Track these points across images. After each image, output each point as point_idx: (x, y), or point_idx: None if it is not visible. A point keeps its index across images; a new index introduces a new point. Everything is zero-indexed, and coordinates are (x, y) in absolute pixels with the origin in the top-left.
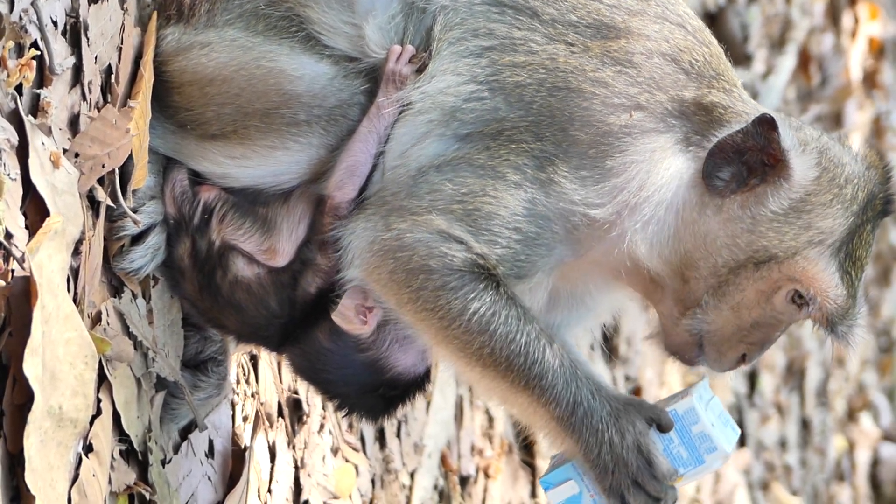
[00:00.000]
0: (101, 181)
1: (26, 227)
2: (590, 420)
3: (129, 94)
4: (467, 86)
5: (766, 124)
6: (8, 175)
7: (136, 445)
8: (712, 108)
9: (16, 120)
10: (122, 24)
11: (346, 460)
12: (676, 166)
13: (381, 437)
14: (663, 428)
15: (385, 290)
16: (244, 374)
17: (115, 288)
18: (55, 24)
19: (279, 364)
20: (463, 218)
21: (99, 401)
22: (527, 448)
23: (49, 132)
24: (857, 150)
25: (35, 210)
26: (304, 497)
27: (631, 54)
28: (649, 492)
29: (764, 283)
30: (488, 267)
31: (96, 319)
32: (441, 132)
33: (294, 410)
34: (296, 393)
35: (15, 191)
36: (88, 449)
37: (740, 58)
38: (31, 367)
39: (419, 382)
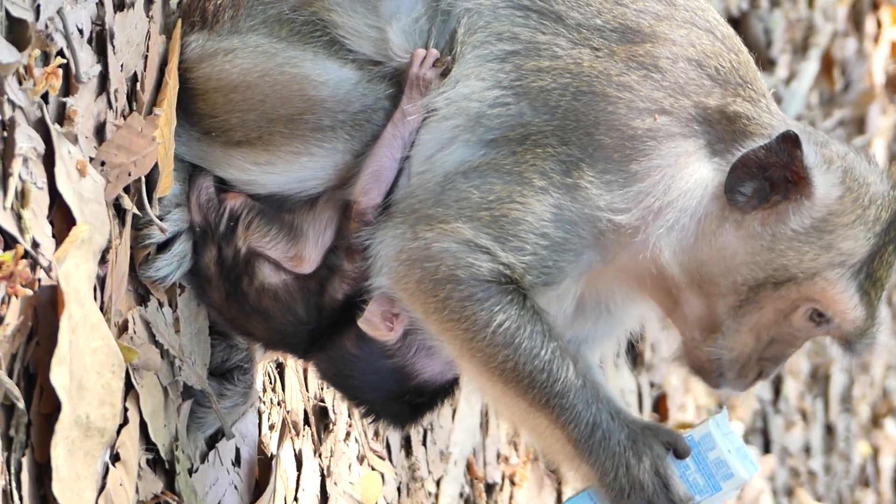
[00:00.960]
0: (127, 189)
1: (53, 236)
2: (607, 443)
3: (154, 102)
4: (492, 91)
5: (789, 140)
6: (34, 184)
7: (162, 454)
8: (736, 118)
9: (42, 128)
10: (148, 31)
11: (373, 468)
12: (700, 174)
13: (406, 445)
14: (680, 453)
15: (412, 300)
16: (270, 383)
17: (142, 296)
18: (81, 32)
19: (305, 372)
20: (490, 225)
21: (126, 410)
22: None
23: (75, 140)
24: (882, 168)
25: (62, 219)
26: None
27: (657, 59)
28: None
29: (782, 302)
30: (515, 277)
31: (123, 328)
32: (467, 138)
33: (320, 418)
34: (322, 401)
35: (41, 199)
36: (115, 458)
37: (763, 63)
38: (59, 376)
39: (446, 389)
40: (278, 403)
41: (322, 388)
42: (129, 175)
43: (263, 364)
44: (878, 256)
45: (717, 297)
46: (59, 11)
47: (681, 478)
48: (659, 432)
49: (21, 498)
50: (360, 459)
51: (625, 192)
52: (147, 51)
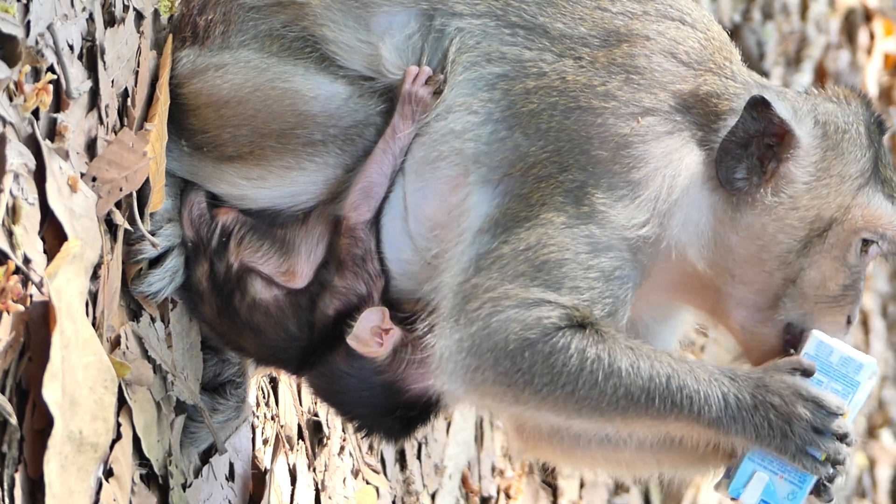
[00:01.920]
0: (118, 205)
1: (44, 252)
2: (745, 402)
3: (145, 118)
4: (486, 127)
5: (759, 105)
6: (26, 199)
7: (156, 469)
8: (707, 98)
9: (33, 144)
10: (139, 47)
11: (367, 482)
12: (692, 168)
13: (401, 459)
14: (808, 371)
15: (496, 389)
16: (264, 397)
17: (134, 311)
18: (71, 48)
19: (299, 386)
20: (536, 276)
21: (119, 425)
22: (547, 468)
23: (66, 156)
24: (830, 92)
25: (53, 234)
26: None
27: (634, 58)
28: (833, 430)
29: (836, 248)
30: (584, 315)
31: (115, 343)
32: (473, 180)
33: (314, 433)
34: (316, 415)
35: (33, 215)
36: (109, 473)
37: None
38: (51, 391)
39: (437, 404)
40: (272, 418)
41: (316, 403)
42: (121, 190)
43: (257, 378)
44: (879, 162)
45: (771, 273)
46: (49, 27)
47: None
48: (778, 365)
49: None
50: (355, 473)
51: (638, 203)
52: (138, 66)
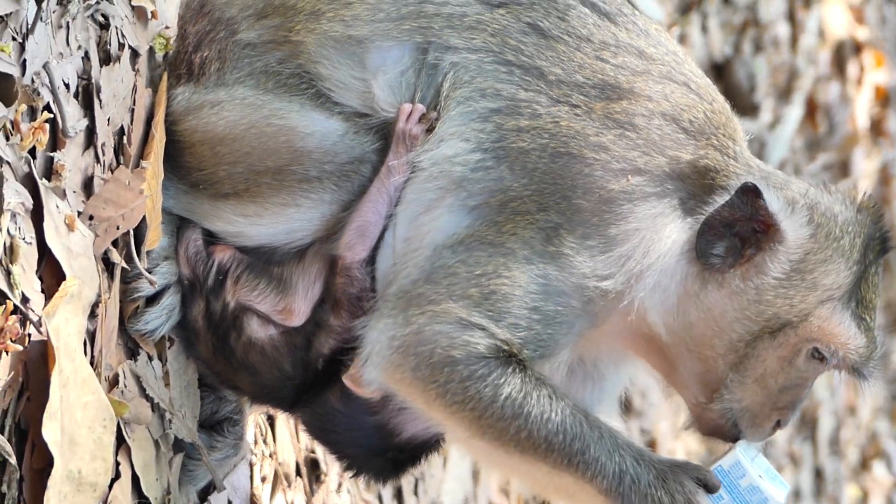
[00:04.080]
0: (115, 243)
1: (42, 291)
2: (638, 486)
3: (141, 155)
4: (474, 154)
5: (749, 192)
6: (23, 239)
7: None
8: (705, 172)
9: (30, 183)
10: (134, 85)
11: None
12: (676, 235)
13: (398, 495)
14: (710, 487)
15: (410, 390)
16: (262, 435)
17: (131, 350)
18: (67, 86)
19: (296, 424)
20: (481, 303)
21: (118, 464)
22: None
23: (63, 195)
24: (843, 195)
25: (51, 273)
26: None
27: (632, 116)
28: None
29: (783, 349)
30: (514, 352)
31: (113, 382)
32: (451, 202)
33: (312, 470)
34: (313, 452)
35: (30, 254)
36: None
37: (747, 108)
38: (50, 431)
39: (429, 446)
40: (270, 455)
41: (313, 440)
42: (118, 229)
43: (254, 416)
44: (864, 280)
45: (716, 358)
46: (45, 66)
47: None
48: (688, 468)
49: None
50: None
51: (607, 258)
52: (133, 104)
